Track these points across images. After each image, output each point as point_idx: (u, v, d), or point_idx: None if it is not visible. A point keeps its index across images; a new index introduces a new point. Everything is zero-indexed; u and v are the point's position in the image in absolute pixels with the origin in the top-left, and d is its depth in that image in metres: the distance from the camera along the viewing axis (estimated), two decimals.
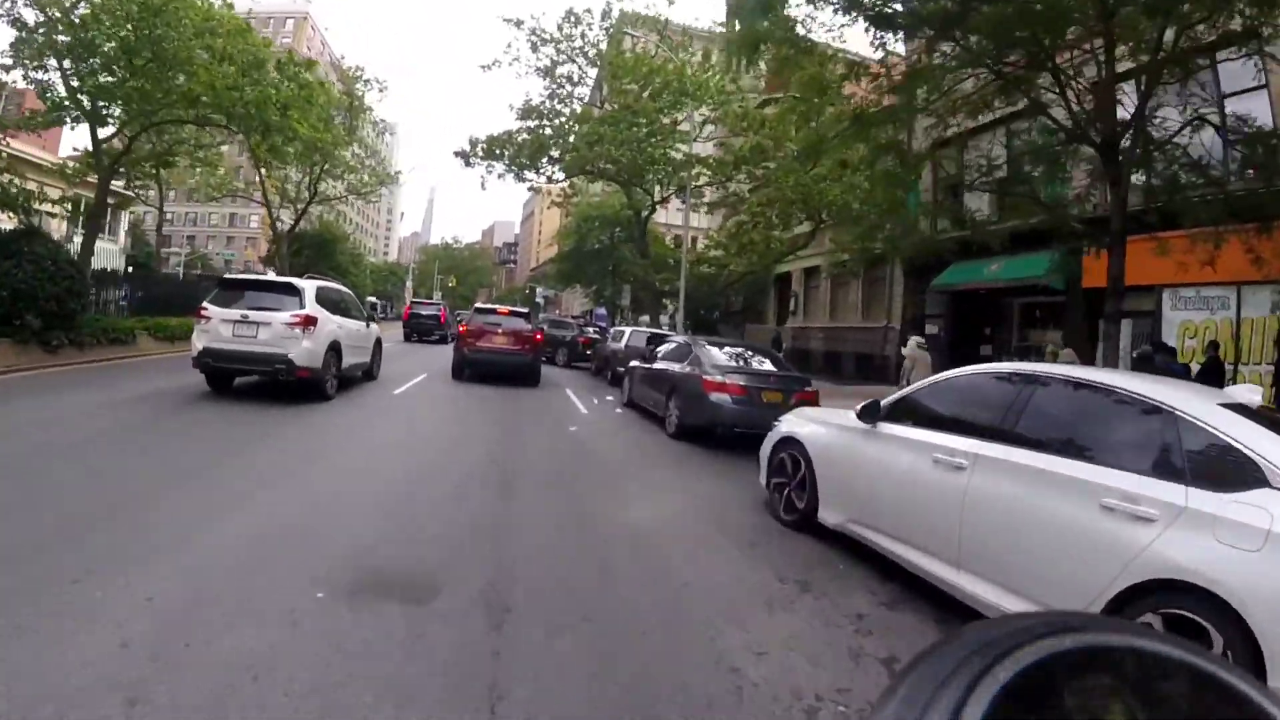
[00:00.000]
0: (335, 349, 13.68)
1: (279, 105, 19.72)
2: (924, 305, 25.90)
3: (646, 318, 34.27)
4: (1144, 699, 0.65)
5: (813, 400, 12.58)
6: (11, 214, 19.18)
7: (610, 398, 19.10)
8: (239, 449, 9.12)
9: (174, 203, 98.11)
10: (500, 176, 32.79)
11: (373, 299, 69.87)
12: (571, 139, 30.12)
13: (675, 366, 14.16)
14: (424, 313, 41.22)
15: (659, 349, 16.42)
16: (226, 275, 18.06)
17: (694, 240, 37.04)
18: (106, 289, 24.04)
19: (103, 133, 21.90)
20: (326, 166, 41.03)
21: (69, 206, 23.16)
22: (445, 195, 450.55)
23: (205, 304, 12.92)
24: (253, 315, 12.35)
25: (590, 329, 30.03)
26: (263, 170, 41.39)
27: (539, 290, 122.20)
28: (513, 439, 11.81)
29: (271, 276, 15.08)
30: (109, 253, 41.49)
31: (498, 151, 31.85)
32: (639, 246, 33.66)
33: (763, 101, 30.14)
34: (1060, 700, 0.63)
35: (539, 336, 19.67)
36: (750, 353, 14.51)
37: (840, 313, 33.51)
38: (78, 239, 33.95)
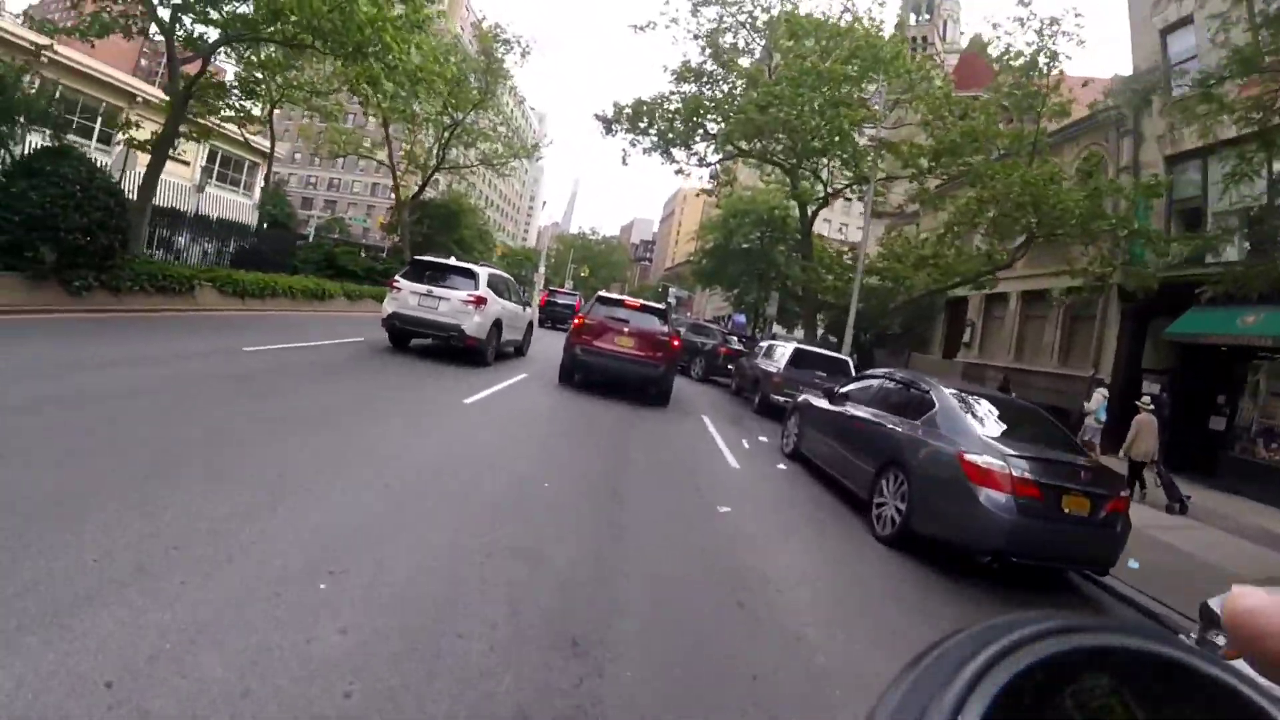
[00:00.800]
0: (498, 325, 15.73)
1: (372, 24, 15.36)
2: (1142, 356, 21.55)
3: (800, 333, 28.79)
4: (1144, 700, 0.63)
5: (1122, 512, 7.58)
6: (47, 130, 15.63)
7: (764, 439, 13.96)
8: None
9: (315, 166, 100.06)
10: (646, 152, 28.07)
11: None
12: (735, 104, 24.86)
13: (896, 423, 8.88)
14: (560, 301, 39.94)
15: (849, 386, 11.22)
16: (416, 257, 19.05)
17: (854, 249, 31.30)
18: (203, 236, 23.07)
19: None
20: (457, 131, 37.36)
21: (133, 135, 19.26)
22: (589, 188, 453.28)
23: (397, 277, 15.53)
24: (436, 290, 14.77)
25: (734, 339, 25.00)
26: (388, 128, 38.31)
27: (671, 290, 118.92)
28: (618, 527, 6.73)
29: (453, 261, 16.48)
30: (241, 206, 39.87)
31: (645, 120, 27.02)
32: (801, 247, 28.13)
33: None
34: (1061, 701, 0.62)
35: (676, 342, 15.20)
36: (1011, 412, 8.98)
37: (1030, 352, 27.47)
38: (213, 189, 31.75)
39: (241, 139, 31.16)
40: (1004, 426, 8.20)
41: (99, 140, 31.17)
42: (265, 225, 41.22)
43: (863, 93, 23.85)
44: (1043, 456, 7.52)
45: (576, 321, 15.08)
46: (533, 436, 9.82)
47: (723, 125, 26.21)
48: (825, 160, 26.07)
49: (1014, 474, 7.12)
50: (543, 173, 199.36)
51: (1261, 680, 0.63)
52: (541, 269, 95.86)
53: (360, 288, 28.32)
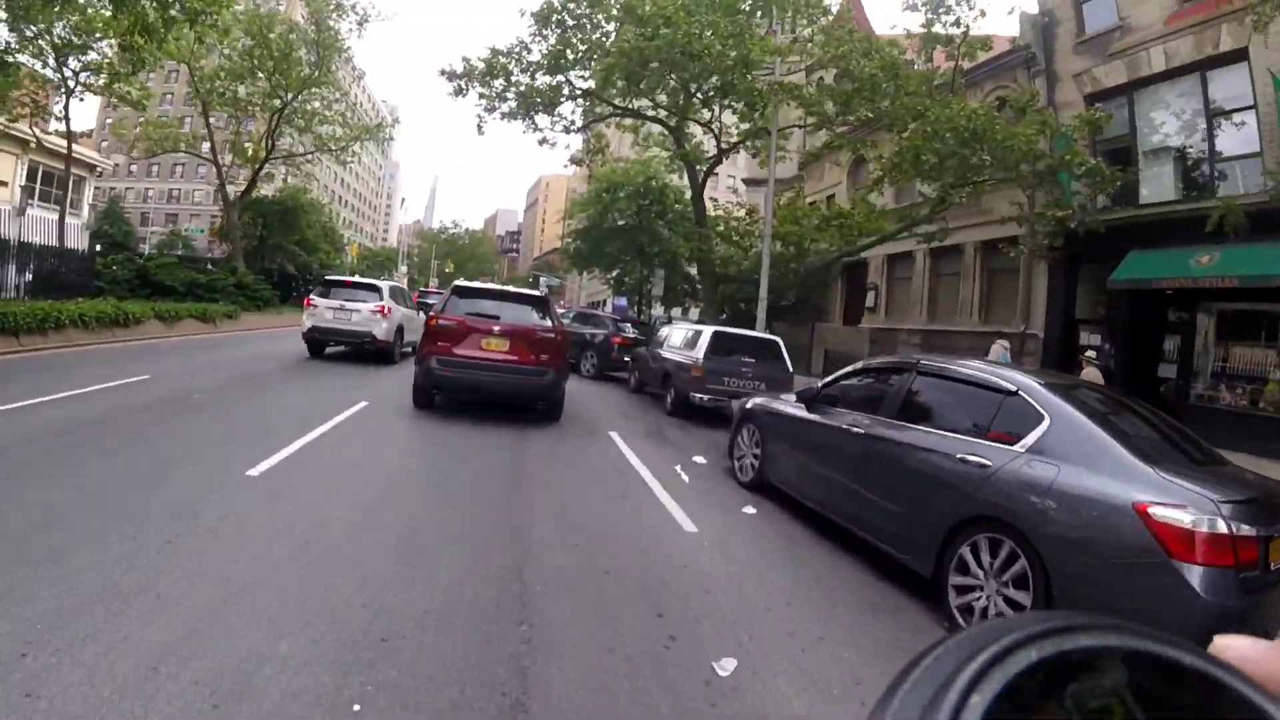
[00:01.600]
0: (400, 330, 18.34)
1: None
2: (1077, 307, 20.17)
3: (694, 314, 25.49)
4: (1144, 700, 0.61)
5: None
6: None
7: (701, 459, 10.39)
8: None
9: (151, 177, 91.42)
10: (505, 118, 24.13)
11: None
12: (609, 48, 21.11)
13: (965, 448, 5.48)
14: (434, 302, 34.25)
15: (834, 383, 7.83)
16: (328, 276, 21.35)
17: (754, 213, 28.02)
18: None
19: None
20: (286, 114, 32.54)
21: None
22: (449, 183, 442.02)
23: (312, 295, 17.98)
24: (348, 305, 17.29)
25: (627, 326, 21.41)
26: (208, 117, 33.20)
27: (543, 279, 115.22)
28: None
29: (359, 279, 19.26)
30: (69, 228, 33.72)
31: (501, 78, 23.08)
32: (694, 213, 24.66)
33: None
34: (1061, 702, 0.59)
35: (560, 336, 11.64)
36: (1117, 406, 5.73)
37: (945, 312, 25.22)
38: (36, 210, 26.60)
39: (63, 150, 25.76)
40: (1141, 436, 4.98)
41: None
42: (98, 248, 35.74)
43: (756, 27, 20.53)
44: (1246, 495, 4.30)
45: (429, 323, 11.37)
46: (362, 524, 5.93)
47: (594, 75, 22.52)
48: (718, 109, 22.73)
49: (1234, 533, 3.88)
50: (399, 168, 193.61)
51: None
52: (403, 269, 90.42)
53: (180, 306, 23.62)
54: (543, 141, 26.21)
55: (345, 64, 36.27)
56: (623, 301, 44.62)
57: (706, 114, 23.55)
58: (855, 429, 6.70)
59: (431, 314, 11.54)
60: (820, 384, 7.91)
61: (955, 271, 24.60)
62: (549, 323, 11.58)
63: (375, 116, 48.09)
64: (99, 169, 40.95)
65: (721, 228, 24.68)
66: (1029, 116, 17.02)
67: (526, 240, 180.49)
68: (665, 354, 15.45)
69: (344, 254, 56.05)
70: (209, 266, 36.53)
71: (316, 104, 34.12)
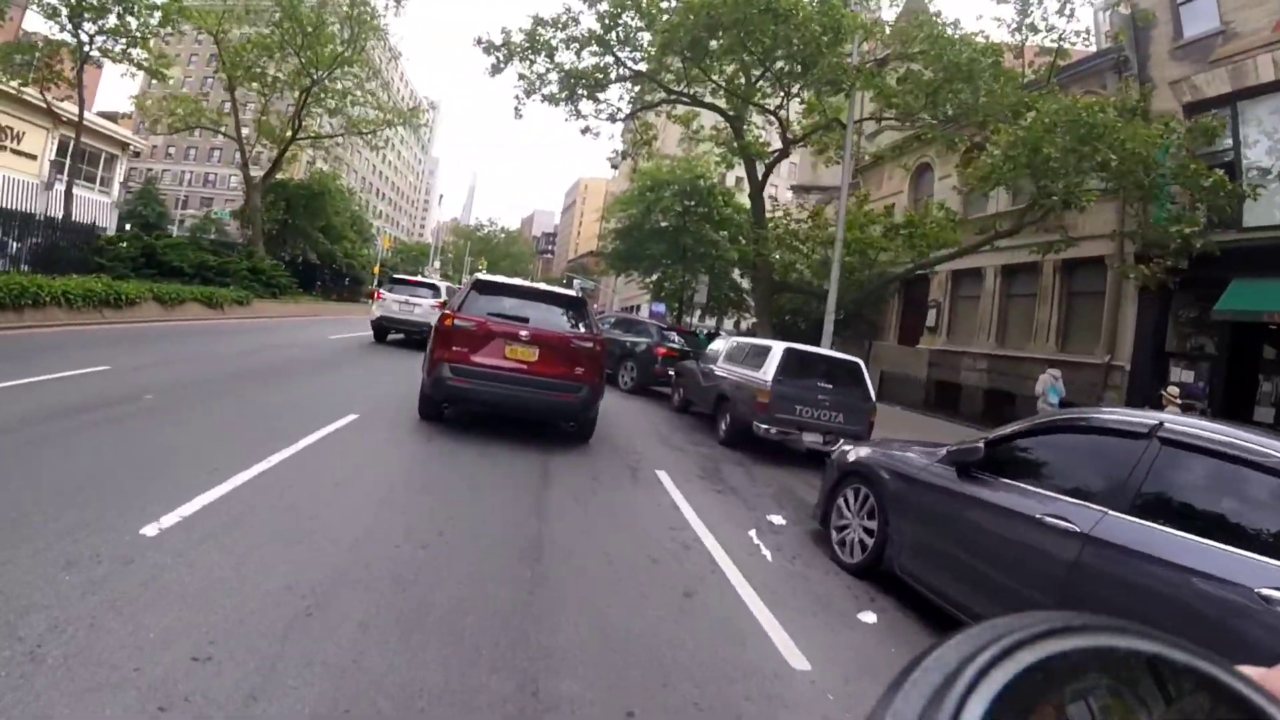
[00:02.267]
0: None
1: None
2: (1172, 338, 18.32)
3: (736, 324, 22.99)
4: (1144, 700, 0.65)
5: None
6: None
7: (779, 519, 7.90)
8: None
9: (189, 161, 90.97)
10: (546, 101, 21.87)
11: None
12: (669, 16, 18.62)
13: None
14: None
15: (1013, 437, 5.41)
16: (395, 275, 24.55)
17: (823, 218, 25.24)
18: None
19: None
20: (314, 92, 30.56)
21: None
22: (488, 182, 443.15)
23: (381, 289, 22.54)
24: (411, 299, 20.37)
25: (673, 336, 18.90)
26: (234, 93, 31.32)
27: (577, 281, 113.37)
28: None
29: (421, 278, 22.82)
30: (99, 205, 33.67)
31: (544, 53, 20.82)
32: (753, 213, 22.20)
33: None
34: (1061, 701, 0.63)
35: (600, 346, 9.72)
36: None
37: (1017, 337, 22.75)
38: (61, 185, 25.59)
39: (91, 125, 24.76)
40: None
41: None
42: (128, 227, 34.68)
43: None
44: None
45: (442, 322, 9.36)
46: (270, 662, 3.47)
47: (650, 47, 20.11)
48: (789, 93, 20.19)
49: None
50: (438, 165, 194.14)
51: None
52: (435, 264, 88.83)
53: (184, 289, 21.66)
54: (585, 130, 23.47)
55: (380, 44, 34.20)
56: (660, 308, 42.19)
57: (773, 101, 21.01)
58: (1063, 524, 4.27)
59: (446, 312, 9.55)
60: (982, 440, 5.43)
61: (1030, 292, 22.29)
62: (587, 329, 9.73)
63: (412, 102, 46.22)
64: (131, 147, 40.02)
65: (780, 230, 22.16)
66: (1136, 121, 14.62)
67: (562, 242, 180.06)
68: (721, 372, 13.04)
69: (373, 245, 54.02)
70: (232, 251, 34.58)
71: (348, 83, 32.06)
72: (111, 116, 43.49)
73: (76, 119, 24.68)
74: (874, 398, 12.17)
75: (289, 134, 32.63)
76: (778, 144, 22.79)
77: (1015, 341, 22.69)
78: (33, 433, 6.61)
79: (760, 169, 21.98)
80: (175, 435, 7.23)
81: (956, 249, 19.85)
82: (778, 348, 11.67)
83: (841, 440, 7.33)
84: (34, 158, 32.00)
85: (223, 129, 35.28)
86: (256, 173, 34.42)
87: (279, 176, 36.45)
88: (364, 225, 45.33)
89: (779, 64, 17.93)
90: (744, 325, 38.93)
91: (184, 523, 4.92)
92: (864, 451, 7.01)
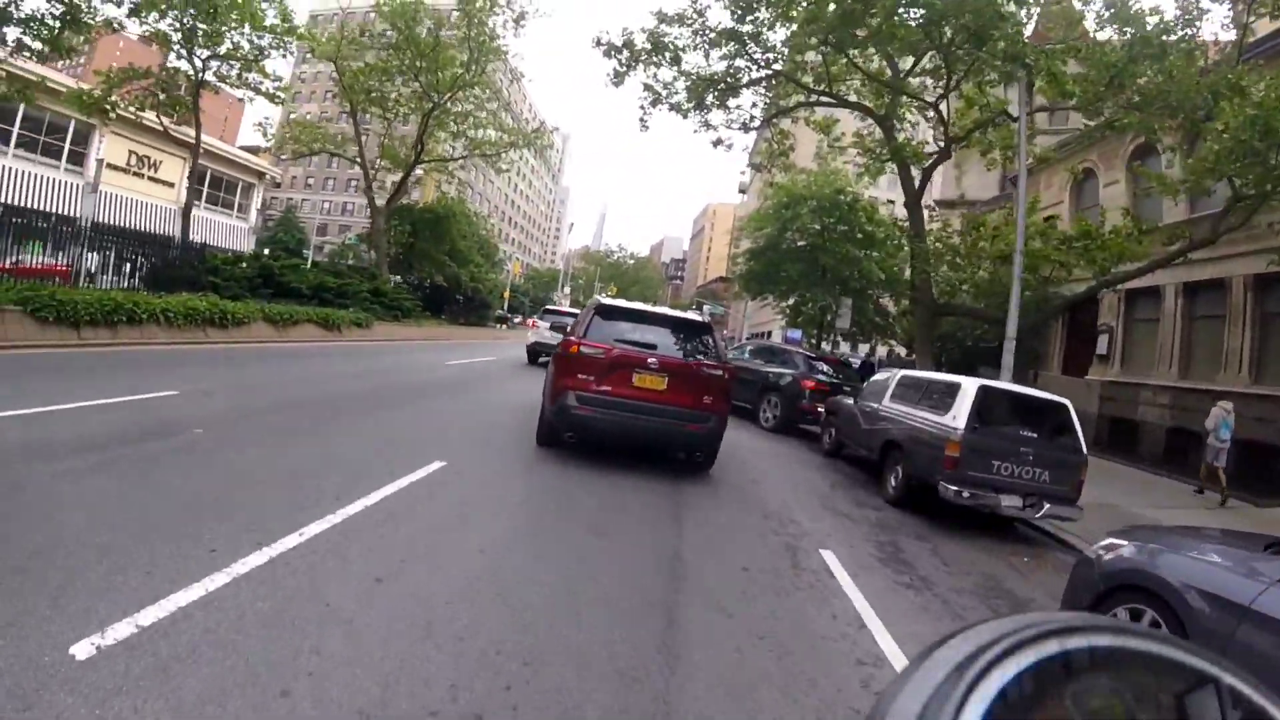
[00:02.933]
0: None
1: None
2: None
3: (888, 352, 20.27)
4: (1144, 700, 0.68)
5: None
6: None
7: None
8: None
9: (328, 190, 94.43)
10: (674, 110, 19.91)
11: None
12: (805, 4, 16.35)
13: None
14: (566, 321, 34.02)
15: None
16: (548, 306, 28.22)
17: (976, 231, 21.98)
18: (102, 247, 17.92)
19: None
20: (436, 114, 29.80)
21: None
22: (618, 211, 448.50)
23: (535, 319, 26.49)
24: (556, 325, 22.43)
25: (822, 368, 16.35)
26: (356, 116, 30.94)
27: (706, 306, 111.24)
28: None
29: (567, 308, 24.56)
30: (235, 229, 37.25)
31: (669, 55, 18.95)
32: (912, 222, 19.11)
33: None
34: (1061, 700, 0.65)
35: (729, 374, 9.39)
36: None
37: (1204, 366, 19.24)
38: (202, 212, 26.68)
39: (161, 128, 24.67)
40: None
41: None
42: (266, 252, 35.68)
43: None
44: None
45: (566, 349, 8.93)
46: None
47: (781, 53, 17.95)
48: (951, 83, 17.49)
49: None
50: (569, 194, 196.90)
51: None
52: (566, 289, 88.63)
53: (298, 309, 20.81)
54: (717, 143, 21.50)
55: (502, 65, 33.27)
56: (796, 334, 39.50)
57: (930, 95, 18.33)
58: None
59: (571, 339, 9.05)
60: None
61: (1218, 313, 18.80)
62: (715, 356, 9.34)
63: (535, 124, 45.62)
64: (268, 176, 42.42)
65: (940, 244, 19.32)
66: None
67: (691, 268, 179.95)
68: (890, 413, 10.66)
69: (501, 269, 53.44)
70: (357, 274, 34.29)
71: (469, 105, 31.17)
72: (253, 150, 45.21)
73: (194, 142, 24.45)
74: (1085, 450, 9.54)
75: (412, 158, 31.98)
76: (932, 146, 20.02)
77: (1201, 372, 19.36)
78: (49, 471, 5.23)
79: (917, 175, 19.28)
80: (196, 487, 5.58)
81: (1146, 262, 16.65)
82: (969, 386, 9.19)
83: (1111, 539, 4.89)
84: (171, 185, 33.70)
85: (349, 155, 35.06)
86: (382, 199, 34.07)
87: (405, 201, 35.98)
88: (491, 249, 44.53)
89: (945, 34, 15.10)
90: (888, 353, 35.80)
91: (137, 638, 3.26)
92: (1146, 551, 4.64)
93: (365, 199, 35.59)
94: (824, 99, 19.85)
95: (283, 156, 36.11)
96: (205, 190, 36.09)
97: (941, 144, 18.34)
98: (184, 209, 25.09)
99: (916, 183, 19.17)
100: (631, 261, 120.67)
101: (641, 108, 20.20)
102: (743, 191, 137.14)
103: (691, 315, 10.28)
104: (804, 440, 14.86)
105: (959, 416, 8.83)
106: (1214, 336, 19.18)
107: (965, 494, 8.59)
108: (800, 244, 31.84)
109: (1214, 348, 19.11)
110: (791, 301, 34.57)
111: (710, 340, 9.58)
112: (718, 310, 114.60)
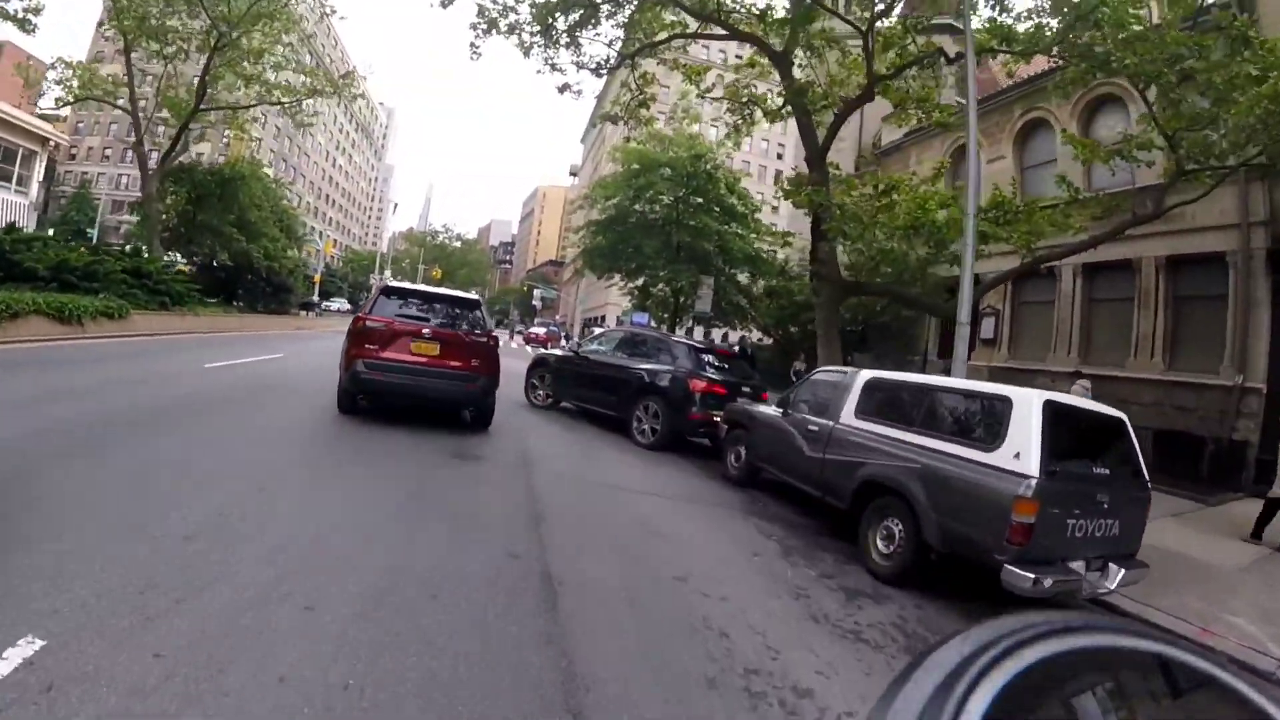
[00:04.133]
0: None
1: None
2: None
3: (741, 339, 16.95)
4: (1144, 700, 0.65)
5: None
6: None
7: None
8: None
9: (127, 163, 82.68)
10: (513, 34, 15.87)
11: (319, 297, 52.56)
12: None
13: None
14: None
15: None
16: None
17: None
18: None
19: None
20: (224, 49, 24.32)
21: None
22: (444, 191, 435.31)
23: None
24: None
25: (709, 359, 12.39)
26: (129, 54, 24.99)
27: (537, 290, 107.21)
28: None
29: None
30: (14, 205, 31.35)
31: None
32: (816, 174, 15.05)
33: None
34: (1061, 701, 0.64)
35: (492, 341, 10.85)
36: None
37: (1107, 352, 18.28)
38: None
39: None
40: None
41: None
42: (50, 232, 29.61)
43: None
44: None
45: (355, 322, 10.49)
46: None
47: None
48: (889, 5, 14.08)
49: None
50: (393, 173, 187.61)
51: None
52: (387, 273, 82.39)
53: (24, 297, 16.06)
54: (564, 88, 17.79)
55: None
56: (643, 318, 36.01)
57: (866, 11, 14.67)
58: None
59: (359, 314, 10.83)
60: None
61: (1125, 296, 17.76)
62: (483, 327, 10.99)
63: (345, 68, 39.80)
64: (51, 142, 35.31)
65: (855, 206, 15.70)
66: None
67: (520, 252, 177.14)
68: (869, 439, 7.18)
69: (306, 246, 46.97)
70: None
71: (265, 40, 25.55)
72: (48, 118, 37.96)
73: None
74: (1149, 485, 6.37)
75: (193, 104, 26.18)
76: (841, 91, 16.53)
77: (1105, 358, 18.19)
78: None
79: (821, 128, 15.78)
80: None
81: (1088, 239, 14.25)
82: (1026, 401, 5.69)
83: None
84: None
85: (121, 104, 28.57)
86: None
87: (185, 161, 29.85)
88: (293, 222, 37.87)
89: None
90: (740, 339, 32.63)
91: None
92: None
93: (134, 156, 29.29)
94: (713, 24, 16.06)
95: (41, 105, 29.23)
96: None
97: (866, 80, 14.59)
98: (39, 201, 19.27)
99: (825, 136, 15.63)
100: (458, 244, 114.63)
101: (474, 28, 15.97)
102: (574, 174, 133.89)
103: (462, 294, 11.74)
104: (694, 457, 11.30)
105: (1025, 453, 5.34)
106: (1120, 320, 18.07)
107: (1048, 581, 5.10)
108: (653, 216, 28.28)
109: (1119, 332, 18.10)
110: (640, 281, 30.86)
111: (478, 314, 11.05)
112: (550, 294, 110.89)
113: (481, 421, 11.05)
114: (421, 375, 10.02)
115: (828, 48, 15.71)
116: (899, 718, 0.56)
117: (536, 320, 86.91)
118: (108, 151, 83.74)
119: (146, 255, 24.59)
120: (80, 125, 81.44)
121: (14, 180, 32.62)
